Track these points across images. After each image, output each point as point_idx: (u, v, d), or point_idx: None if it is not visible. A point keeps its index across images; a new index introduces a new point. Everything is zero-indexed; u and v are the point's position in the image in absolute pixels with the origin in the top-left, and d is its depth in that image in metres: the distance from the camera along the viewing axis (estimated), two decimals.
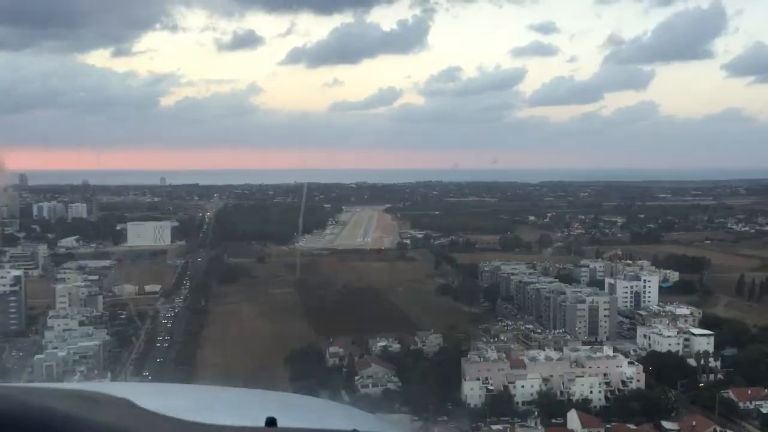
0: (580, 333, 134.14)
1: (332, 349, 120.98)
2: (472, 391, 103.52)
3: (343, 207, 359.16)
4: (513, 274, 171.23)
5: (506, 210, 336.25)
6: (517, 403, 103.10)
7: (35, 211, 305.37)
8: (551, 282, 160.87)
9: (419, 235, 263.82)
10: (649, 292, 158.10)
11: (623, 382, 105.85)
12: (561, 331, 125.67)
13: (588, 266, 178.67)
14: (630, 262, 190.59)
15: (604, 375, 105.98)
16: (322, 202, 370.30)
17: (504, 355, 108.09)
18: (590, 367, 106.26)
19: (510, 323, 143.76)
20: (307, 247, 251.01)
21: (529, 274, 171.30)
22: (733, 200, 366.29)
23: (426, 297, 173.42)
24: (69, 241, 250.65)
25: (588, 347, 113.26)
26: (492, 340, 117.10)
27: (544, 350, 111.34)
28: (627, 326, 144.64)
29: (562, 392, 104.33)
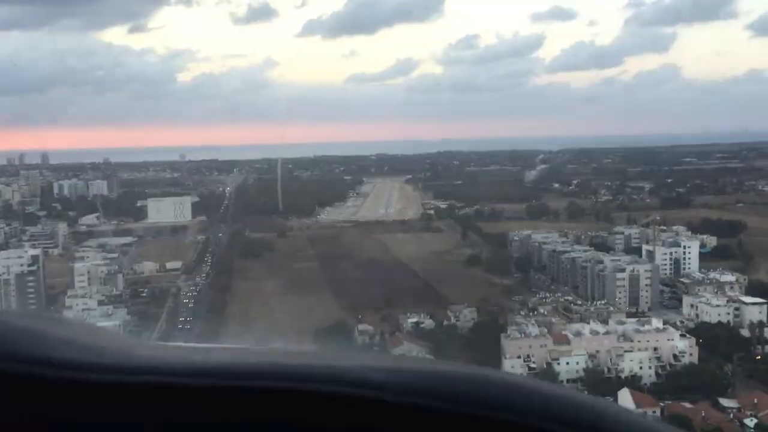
0: (620, 304, 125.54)
1: (361, 327, 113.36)
2: (512, 370, 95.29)
3: (364, 179, 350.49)
4: (545, 243, 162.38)
5: (530, 177, 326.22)
6: (562, 381, 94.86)
7: (56, 190, 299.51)
8: (586, 250, 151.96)
9: (443, 206, 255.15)
10: (689, 259, 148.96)
11: (675, 357, 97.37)
12: (603, 302, 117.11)
13: (622, 233, 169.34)
14: (664, 227, 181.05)
15: (654, 349, 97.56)
16: (343, 174, 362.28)
17: (545, 329, 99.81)
18: (639, 341, 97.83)
19: (547, 295, 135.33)
20: (330, 220, 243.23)
21: (562, 242, 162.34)
22: (762, 162, 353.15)
23: (455, 268, 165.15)
24: (89, 219, 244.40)
25: (635, 320, 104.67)
26: (530, 314, 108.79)
27: (588, 323, 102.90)
28: (668, 295, 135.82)
29: (609, 369, 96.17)
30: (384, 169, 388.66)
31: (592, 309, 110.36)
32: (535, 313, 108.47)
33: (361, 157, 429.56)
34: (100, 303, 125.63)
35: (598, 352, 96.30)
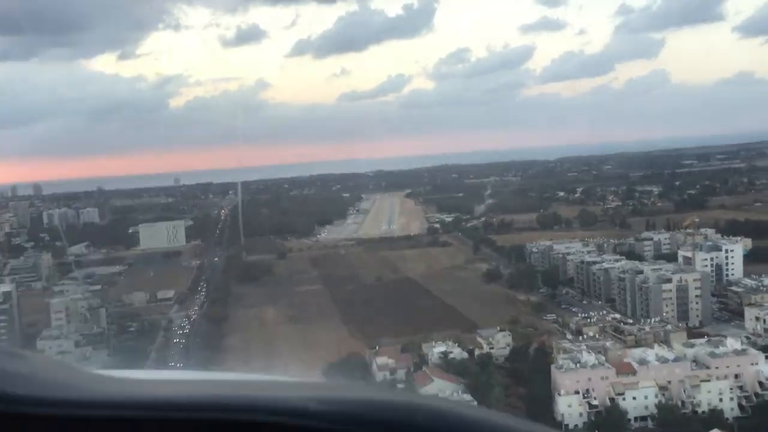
0: (668, 318, 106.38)
1: (380, 360, 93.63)
2: (570, 409, 76.17)
3: (362, 195, 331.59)
4: (569, 253, 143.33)
5: (531, 188, 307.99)
6: (630, 419, 75.75)
7: (45, 220, 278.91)
8: (617, 260, 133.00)
9: (448, 219, 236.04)
10: (733, 264, 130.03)
11: (761, 384, 78.22)
12: (657, 320, 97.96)
13: (651, 239, 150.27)
14: (692, 230, 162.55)
15: (736, 377, 78.37)
16: (340, 191, 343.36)
17: (602, 357, 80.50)
18: (717, 368, 78.62)
19: (590, 314, 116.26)
20: (331, 239, 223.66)
21: (587, 252, 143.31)
22: (763, 161, 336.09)
23: (472, 285, 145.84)
24: (78, 248, 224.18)
25: (703, 340, 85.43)
26: (578, 338, 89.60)
27: (652, 348, 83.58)
28: (717, 306, 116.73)
29: (684, 402, 76.87)
30: (382, 184, 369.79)
31: (647, 329, 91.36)
32: (584, 336, 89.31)
33: (358, 174, 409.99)
34: (78, 344, 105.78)
35: (669, 383, 77.10)
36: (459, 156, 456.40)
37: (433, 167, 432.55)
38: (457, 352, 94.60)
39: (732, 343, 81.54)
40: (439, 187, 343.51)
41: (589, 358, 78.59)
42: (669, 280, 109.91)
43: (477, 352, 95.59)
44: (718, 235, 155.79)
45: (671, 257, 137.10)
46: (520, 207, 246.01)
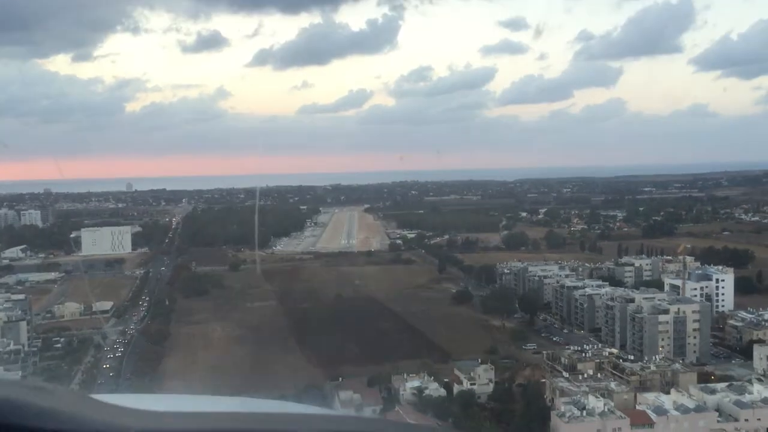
0: (663, 353, 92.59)
1: (343, 395, 77.51)
2: None
3: (320, 208, 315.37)
4: (546, 276, 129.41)
5: (492, 207, 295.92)
6: None
7: None
8: (600, 285, 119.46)
9: (410, 235, 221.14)
10: (723, 294, 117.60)
11: None
12: (661, 357, 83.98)
13: (633, 264, 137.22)
14: (670, 258, 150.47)
15: None
16: (298, 204, 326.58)
17: (611, 402, 65.84)
18: (746, 420, 64.60)
19: (564, 341, 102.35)
20: (287, 251, 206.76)
21: (566, 276, 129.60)
22: (720, 191, 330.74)
23: (441, 308, 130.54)
24: (13, 252, 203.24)
25: (725, 385, 71.49)
26: (575, 377, 74.96)
27: (666, 392, 69.27)
28: (713, 341, 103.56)
29: None
30: (340, 198, 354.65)
31: (652, 367, 77.41)
32: (584, 376, 74.79)
33: (316, 187, 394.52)
34: None
35: None
36: (418, 173, 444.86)
37: (392, 183, 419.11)
38: (433, 388, 79.13)
39: (761, 390, 67.87)
40: (398, 203, 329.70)
41: (597, 404, 64.02)
42: (666, 311, 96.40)
43: (456, 388, 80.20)
44: (697, 263, 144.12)
45: (653, 284, 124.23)
46: (482, 226, 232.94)
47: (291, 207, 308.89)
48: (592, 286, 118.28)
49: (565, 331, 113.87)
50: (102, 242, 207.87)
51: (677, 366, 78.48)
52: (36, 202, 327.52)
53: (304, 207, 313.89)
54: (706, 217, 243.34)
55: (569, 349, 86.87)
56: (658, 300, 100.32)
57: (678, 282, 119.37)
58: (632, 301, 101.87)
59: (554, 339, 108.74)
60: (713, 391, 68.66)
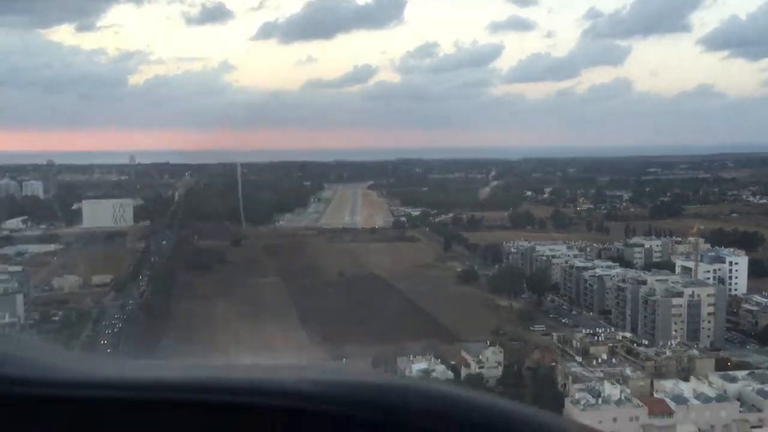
0: (677, 337, 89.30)
1: None
2: None
3: (324, 184, 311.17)
4: (554, 256, 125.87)
5: (497, 186, 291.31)
6: None
7: None
8: (610, 266, 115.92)
9: (415, 213, 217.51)
10: (737, 278, 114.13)
11: None
12: (677, 342, 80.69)
13: (642, 245, 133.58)
14: (679, 239, 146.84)
15: None
16: (301, 179, 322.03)
17: (627, 390, 62.55)
18: None
19: (573, 323, 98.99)
20: (290, 227, 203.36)
21: (574, 256, 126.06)
22: (726, 173, 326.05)
23: (447, 287, 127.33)
24: (14, 223, 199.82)
25: (745, 372, 68.11)
26: (588, 361, 71.73)
27: (686, 379, 65.98)
28: (727, 326, 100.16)
29: None
30: (344, 175, 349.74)
31: (667, 353, 74.08)
32: (598, 360, 71.52)
33: (319, 163, 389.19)
34: None
35: (712, 427, 59.76)
36: (422, 151, 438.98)
37: (396, 160, 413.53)
38: (441, 371, 75.93)
39: None
40: (402, 180, 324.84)
41: (613, 391, 60.72)
42: (680, 294, 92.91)
43: (464, 371, 76.97)
44: (707, 245, 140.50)
45: (663, 266, 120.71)
46: (487, 204, 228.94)
47: (294, 183, 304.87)
48: (602, 266, 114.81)
49: (574, 312, 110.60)
50: (103, 214, 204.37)
51: (694, 351, 75.07)
52: (38, 173, 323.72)
53: (308, 183, 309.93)
54: (713, 198, 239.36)
55: (581, 332, 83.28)
56: (672, 282, 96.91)
57: (690, 264, 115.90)
58: (644, 283, 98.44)
59: (563, 320, 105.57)
60: (734, 379, 65.32)
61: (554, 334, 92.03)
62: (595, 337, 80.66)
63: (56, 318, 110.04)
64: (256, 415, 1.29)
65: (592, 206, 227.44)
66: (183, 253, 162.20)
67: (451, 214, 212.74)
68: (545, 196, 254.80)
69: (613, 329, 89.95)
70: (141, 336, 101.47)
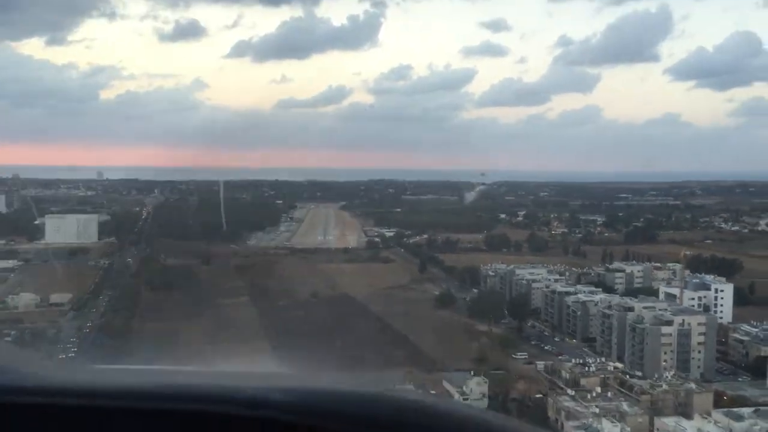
0: (667, 368, 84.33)
1: None
2: None
3: (296, 203, 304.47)
4: (534, 280, 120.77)
5: (471, 207, 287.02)
6: None
7: None
8: (592, 292, 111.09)
9: (389, 233, 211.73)
10: (722, 306, 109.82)
11: None
12: (672, 374, 75.49)
13: (623, 271, 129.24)
14: (659, 265, 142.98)
15: None
16: (273, 198, 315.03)
17: (628, 429, 56.95)
18: None
19: (555, 349, 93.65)
20: (261, 246, 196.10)
21: (555, 280, 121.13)
22: (695, 200, 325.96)
23: (423, 310, 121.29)
24: None
25: (750, 410, 63.07)
26: (580, 394, 66.13)
27: (690, 417, 60.58)
28: (716, 356, 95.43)
29: None
30: (317, 194, 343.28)
31: (664, 386, 68.91)
32: (592, 394, 65.94)
33: (291, 183, 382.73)
34: None
35: None
36: (395, 172, 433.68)
37: (369, 181, 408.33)
38: None
39: None
40: (375, 201, 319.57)
41: (613, 429, 55.18)
42: (669, 323, 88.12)
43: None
44: (686, 271, 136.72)
45: (645, 292, 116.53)
46: (461, 226, 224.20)
47: (266, 201, 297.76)
48: (585, 292, 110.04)
49: (557, 339, 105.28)
50: (66, 230, 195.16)
51: (691, 385, 69.81)
52: (2, 187, 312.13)
53: (280, 201, 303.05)
54: (685, 224, 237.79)
55: (570, 361, 77.73)
56: (660, 310, 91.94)
57: (674, 290, 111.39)
58: (631, 309, 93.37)
59: (545, 347, 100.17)
60: (739, 417, 60.09)
61: (538, 362, 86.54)
62: (586, 368, 75.36)
63: (9, 338, 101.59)
64: (228, 424, 1.25)
65: (566, 230, 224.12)
66: (148, 271, 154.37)
67: (425, 236, 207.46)
68: (519, 219, 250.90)
69: (603, 359, 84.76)
70: (98, 358, 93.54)
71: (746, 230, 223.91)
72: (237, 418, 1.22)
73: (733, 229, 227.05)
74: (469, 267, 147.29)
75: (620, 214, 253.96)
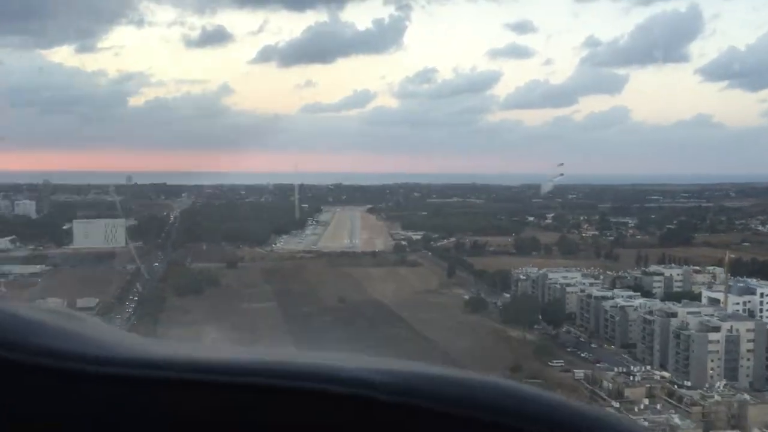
0: (713, 376, 79.51)
1: None
2: None
3: (322, 207, 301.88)
4: (568, 284, 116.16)
5: (498, 211, 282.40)
6: None
7: None
8: (630, 296, 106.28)
9: (416, 237, 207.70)
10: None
11: None
12: (724, 384, 70.89)
13: (662, 274, 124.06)
14: (698, 268, 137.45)
15: None
16: (299, 202, 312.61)
17: None
18: None
19: (593, 356, 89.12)
20: (288, 249, 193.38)
21: (590, 284, 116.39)
22: (729, 202, 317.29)
23: (453, 315, 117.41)
24: (2, 243, 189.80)
25: None
26: (629, 405, 61.86)
27: (746, 431, 56.11)
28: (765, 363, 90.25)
29: None
30: (342, 197, 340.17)
31: (716, 397, 64.42)
32: (639, 407, 61.67)
33: (317, 186, 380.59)
34: None
35: None
36: (419, 176, 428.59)
37: (394, 184, 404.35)
38: None
39: None
40: (401, 204, 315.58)
41: None
42: (716, 329, 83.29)
43: None
44: (728, 275, 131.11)
45: (685, 296, 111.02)
46: (489, 229, 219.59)
47: (291, 205, 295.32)
48: (623, 296, 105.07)
49: (594, 345, 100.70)
50: (94, 235, 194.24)
51: (745, 396, 65.04)
52: (33, 193, 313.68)
53: (306, 205, 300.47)
54: (721, 227, 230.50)
55: (612, 370, 73.32)
56: (706, 316, 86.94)
57: (716, 295, 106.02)
58: (674, 315, 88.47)
59: (582, 354, 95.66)
60: None
61: (576, 371, 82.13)
62: (630, 377, 70.91)
63: None
64: (330, 403, 1.27)
65: (597, 233, 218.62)
66: (175, 275, 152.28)
67: (453, 239, 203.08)
68: (548, 221, 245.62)
69: (648, 368, 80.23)
70: None
71: None
72: (338, 397, 1.26)
73: None
74: (499, 270, 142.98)
75: (653, 216, 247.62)
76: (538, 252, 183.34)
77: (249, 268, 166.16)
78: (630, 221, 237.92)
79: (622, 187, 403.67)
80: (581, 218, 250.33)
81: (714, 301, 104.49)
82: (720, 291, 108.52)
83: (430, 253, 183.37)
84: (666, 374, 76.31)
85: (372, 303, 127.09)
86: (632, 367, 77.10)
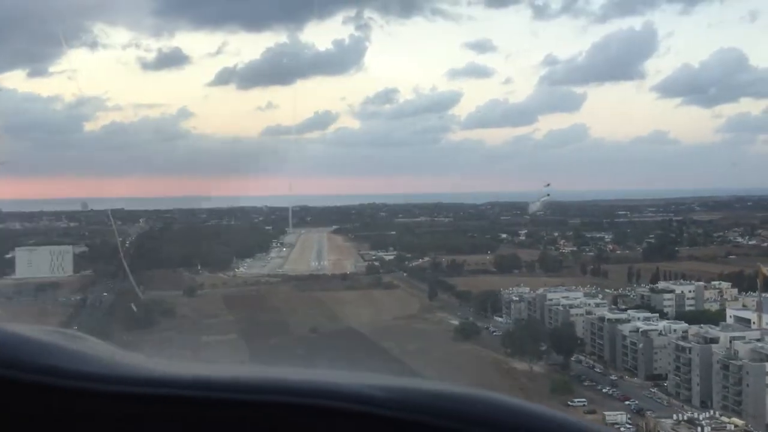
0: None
1: None
2: None
3: (286, 229, 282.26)
4: (572, 305, 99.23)
5: (469, 229, 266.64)
6: None
7: None
8: (648, 318, 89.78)
9: (388, 257, 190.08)
10: None
11: None
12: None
13: (673, 291, 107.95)
14: (705, 284, 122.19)
15: None
16: (262, 224, 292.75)
17: None
18: None
19: (617, 391, 71.94)
20: (251, 274, 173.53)
21: (596, 305, 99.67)
22: (697, 215, 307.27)
23: (442, 344, 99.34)
24: None
25: None
26: None
27: None
28: None
29: None
30: (307, 219, 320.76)
31: None
32: None
33: (280, 208, 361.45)
34: None
35: None
36: (384, 197, 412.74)
37: (359, 205, 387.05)
38: None
39: None
40: (368, 224, 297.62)
41: None
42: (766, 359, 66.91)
43: None
44: (734, 290, 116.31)
45: (706, 316, 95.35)
46: (463, 247, 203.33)
47: (255, 226, 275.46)
48: (639, 318, 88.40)
49: (613, 377, 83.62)
50: (39, 263, 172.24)
51: None
52: None
53: (269, 227, 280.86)
54: (700, 240, 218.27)
55: (671, 417, 55.97)
56: (753, 340, 70.58)
57: (742, 313, 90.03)
58: (715, 341, 71.83)
59: (603, 390, 78.42)
60: None
61: (606, 413, 64.62)
62: (699, 428, 53.95)
63: None
64: (333, 418, 1.25)
65: (575, 248, 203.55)
66: (125, 306, 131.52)
67: (427, 258, 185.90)
68: (521, 238, 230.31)
69: (716, 413, 63.26)
70: None
71: (765, 244, 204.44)
72: (339, 413, 1.22)
73: (750, 243, 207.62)
74: (486, 291, 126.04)
75: (628, 231, 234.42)
76: (520, 270, 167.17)
77: (209, 295, 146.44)
78: (606, 236, 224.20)
79: (587, 202, 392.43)
80: (555, 234, 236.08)
81: (742, 321, 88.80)
82: (745, 309, 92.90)
83: (405, 274, 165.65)
84: (738, 421, 59.14)
85: (348, 332, 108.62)
86: (698, 415, 59.54)
